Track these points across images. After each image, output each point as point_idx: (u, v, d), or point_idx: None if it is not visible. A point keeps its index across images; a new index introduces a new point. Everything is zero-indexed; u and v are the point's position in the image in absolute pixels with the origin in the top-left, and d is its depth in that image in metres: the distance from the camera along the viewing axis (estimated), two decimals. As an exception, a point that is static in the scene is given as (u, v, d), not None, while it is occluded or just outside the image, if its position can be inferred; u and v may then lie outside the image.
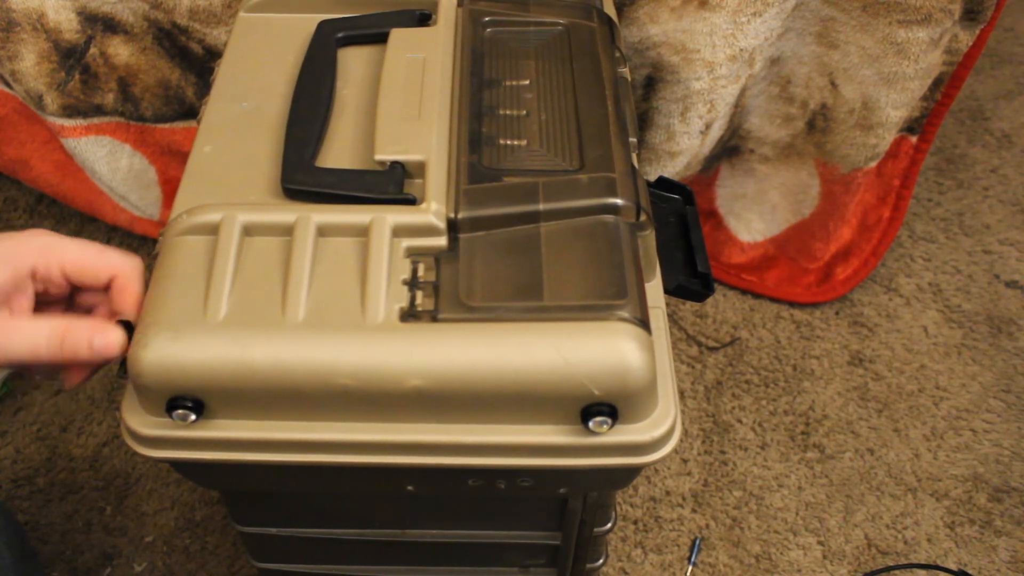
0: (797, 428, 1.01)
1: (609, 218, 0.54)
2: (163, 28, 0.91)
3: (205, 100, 0.63)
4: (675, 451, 0.99)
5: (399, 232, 0.53)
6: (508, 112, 0.60)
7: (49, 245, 0.52)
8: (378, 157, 0.56)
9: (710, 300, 1.12)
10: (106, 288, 0.53)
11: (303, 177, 0.55)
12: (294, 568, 0.75)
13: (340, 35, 0.65)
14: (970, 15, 0.89)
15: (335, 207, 0.54)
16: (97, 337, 0.50)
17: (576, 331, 0.49)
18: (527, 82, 0.62)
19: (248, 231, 0.53)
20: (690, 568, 0.91)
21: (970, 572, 0.91)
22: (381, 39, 0.64)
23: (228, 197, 0.56)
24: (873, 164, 1.01)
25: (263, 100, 0.62)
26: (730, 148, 1.04)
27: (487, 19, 0.66)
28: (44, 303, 0.54)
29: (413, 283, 0.51)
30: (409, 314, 0.50)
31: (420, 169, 0.55)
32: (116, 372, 0.58)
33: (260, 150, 0.59)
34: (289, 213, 0.53)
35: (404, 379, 0.49)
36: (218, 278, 0.51)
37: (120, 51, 0.92)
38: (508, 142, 0.58)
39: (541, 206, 0.54)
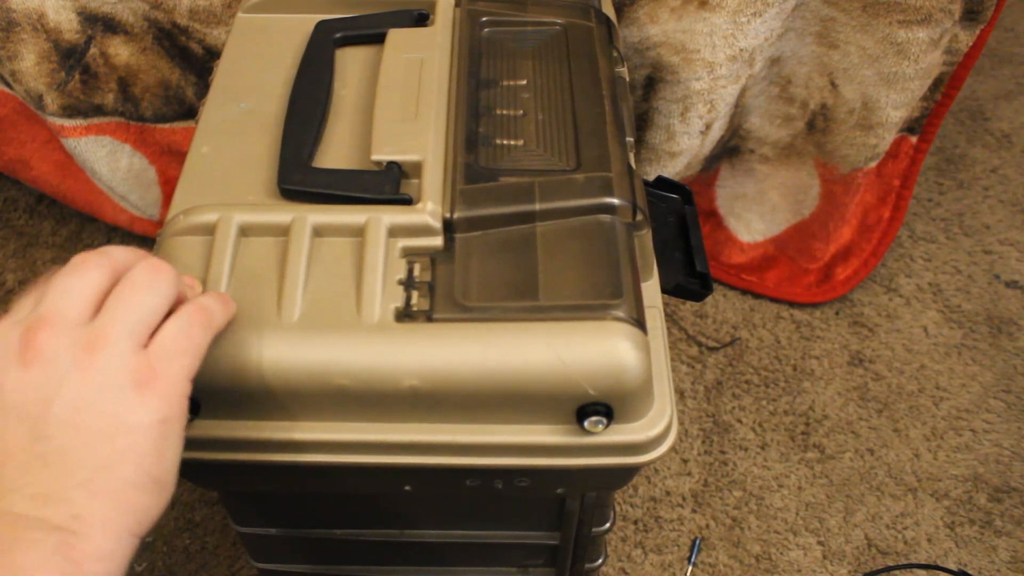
0: (797, 428, 1.01)
1: (605, 218, 0.54)
2: (163, 28, 0.91)
3: (203, 100, 0.63)
4: (675, 451, 0.99)
5: (395, 232, 0.53)
6: (505, 112, 0.60)
7: None
8: (375, 157, 0.56)
9: (710, 300, 1.12)
10: None
11: (300, 177, 0.55)
12: (293, 568, 0.75)
13: (338, 35, 0.65)
14: (970, 15, 0.89)
15: (331, 207, 0.54)
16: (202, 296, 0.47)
17: (571, 331, 0.49)
18: (524, 82, 0.62)
19: (244, 231, 0.53)
20: (690, 568, 0.91)
21: (970, 572, 0.91)
22: (379, 39, 0.64)
23: (225, 198, 0.56)
24: (873, 164, 1.01)
25: (261, 100, 0.62)
26: (730, 148, 1.04)
27: (484, 19, 0.66)
28: None
29: (409, 283, 0.51)
30: (405, 314, 0.50)
31: (417, 169, 0.55)
32: None
33: (258, 150, 0.59)
34: (285, 213, 0.53)
35: (400, 379, 0.49)
36: (214, 279, 0.51)
37: (120, 51, 0.92)
38: (505, 142, 0.58)
39: (537, 206, 0.54)
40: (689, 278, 0.64)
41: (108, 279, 0.43)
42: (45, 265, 1.14)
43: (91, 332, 0.41)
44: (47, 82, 0.91)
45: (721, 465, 0.98)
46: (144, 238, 1.13)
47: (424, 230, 0.53)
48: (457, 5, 0.67)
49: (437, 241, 0.53)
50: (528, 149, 0.58)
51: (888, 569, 0.91)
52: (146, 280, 0.43)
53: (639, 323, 0.50)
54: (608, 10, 0.72)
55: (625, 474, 0.58)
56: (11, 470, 0.38)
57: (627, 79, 0.69)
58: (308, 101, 0.60)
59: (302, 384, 0.49)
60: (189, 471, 0.59)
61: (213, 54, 0.92)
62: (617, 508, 0.91)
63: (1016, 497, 0.96)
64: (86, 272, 0.42)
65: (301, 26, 0.67)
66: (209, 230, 0.53)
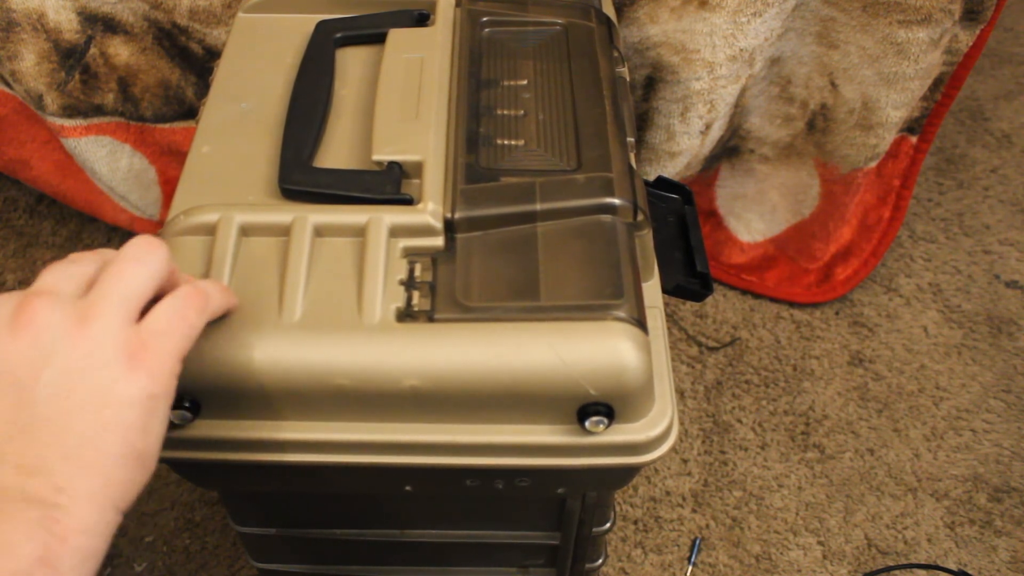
0: (797, 428, 1.01)
1: (606, 218, 0.54)
2: (163, 28, 0.91)
3: (204, 100, 0.63)
4: (675, 451, 0.99)
5: (396, 232, 0.53)
6: (506, 112, 0.60)
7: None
8: (375, 157, 0.56)
9: (710, 300, 1.12)
10: None
11: (300, 177, 0.55)
12: (293, 568, 0.75)
13: (338, 35, 0.65)
14: (970, 15, 0.89)
15: (332, 207, 0.54)
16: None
17: (572, 331, 0.49)
18: (525, 82, 0.62)
19: (245, 232, 0.53)
20: (690, 568, 0.91)
21: (970, 572, 0.91)
22: (379, 39, 0.64)
23: (226, 197, 0.56)
24: (873, 164, 1.01)
25: (261, 100, 0.62)
26: (730, 148, 1.04)
27: (485, 19, 0.66)
28: None
29: (410, 283, 0.51)
30: (405, 314, 0.50)
31: (417, 169, 0.55)
32: None
33: (258, 150, 0.59)
34: (286, 213, 0.53)
35: (400, 379, 0.49)
36: (215, 279, 0.51)
37: (120, 51, 0.92)
38: (505, 142, 0.58)
39: (538, 206, 0.54)
40: (689, 278, 0.64)
41: (101, 268, 0.44)
42: (45, 265, 1.14)
43: (83, 304, 0.41)
44: (47, 82, 0.91)
45: (721, 465, 0.98)
46: (144, 238, 1.13)
47: (425, 230, 0.53)
48: (457, 5, 0.67)
49: (438, 241, 0.53)
50: (529, 149, 0.58)
51: (888, 569, 0.91)
52: (136, 254, 0.43)
53: (640, 323, 0.50)
54: (608, 10, 0.72)
55: (626, 474, 0.58)
56: None
57: (627, 79, 0.69)
58: (308, 101, 0.60)
59: (303, 384, 0.49)
60: (189, 471, 0.60)
61: (213, 54, 0.92)
62: (617, 508, 0.91)
63: (1016, 497, 0.96)
64: (81, 263, 0.44)
65: (301, 26, 0.67)
66: (210, 230, 0.53)
